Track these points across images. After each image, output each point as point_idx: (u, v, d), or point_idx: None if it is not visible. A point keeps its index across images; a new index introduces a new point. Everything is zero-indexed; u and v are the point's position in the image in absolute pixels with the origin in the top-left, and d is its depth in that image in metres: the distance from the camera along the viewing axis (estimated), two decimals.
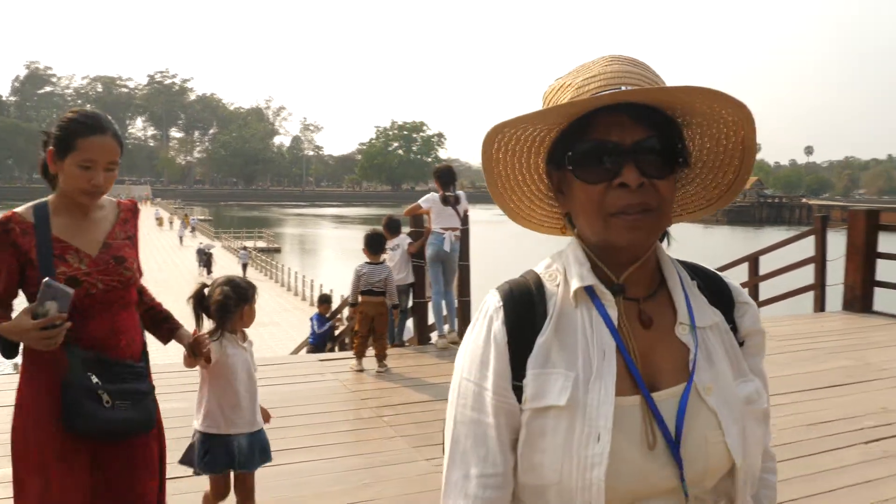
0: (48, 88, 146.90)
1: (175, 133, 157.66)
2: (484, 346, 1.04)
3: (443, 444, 1.08)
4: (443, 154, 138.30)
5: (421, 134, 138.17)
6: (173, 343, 2.69)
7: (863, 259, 8.47)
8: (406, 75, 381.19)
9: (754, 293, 9.22)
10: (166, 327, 2.63)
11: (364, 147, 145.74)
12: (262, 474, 3.21)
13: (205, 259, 31.45)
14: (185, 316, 2.85)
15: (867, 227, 8.47)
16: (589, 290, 1.03)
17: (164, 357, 5.66)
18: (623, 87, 0.96)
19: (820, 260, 8.91)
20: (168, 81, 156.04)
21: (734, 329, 1.11)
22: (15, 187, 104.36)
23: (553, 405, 0.98)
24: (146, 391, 2.34)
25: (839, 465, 4.00)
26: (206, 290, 3.14)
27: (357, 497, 3.65)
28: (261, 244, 45.46)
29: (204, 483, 3.17)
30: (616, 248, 1.02)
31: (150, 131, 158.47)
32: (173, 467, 2.81)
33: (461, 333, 7.32)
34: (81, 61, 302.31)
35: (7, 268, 2.17)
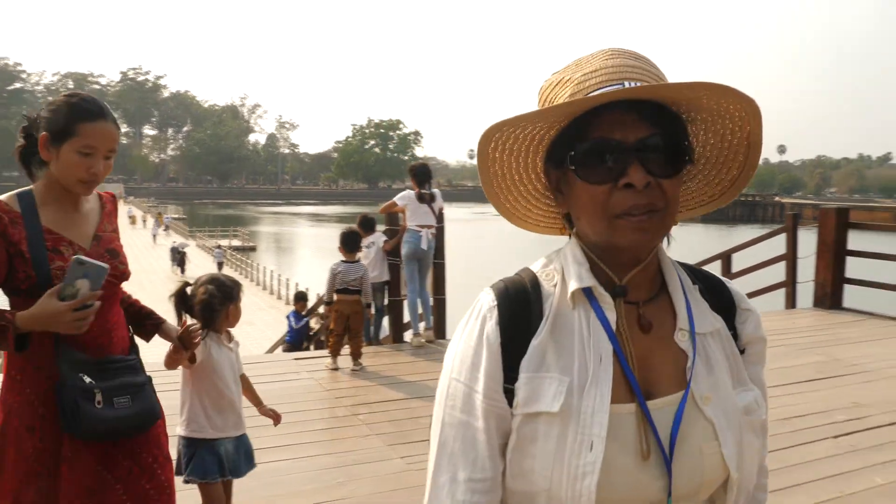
0: (18, 85, 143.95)
1: (148, 130, 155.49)
2: (476, 346, 1.00)
3: (418, 441, 1.05)
4: (419, 152, 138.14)
5: (397, 132, 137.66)
6: (153, 343, 2.50)
7: (833, 257, 8.61)
8: (383, 73, 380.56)
9: None
10: (149, 323, 2.44)
11: (340, 145, 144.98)
12: None
13: (178, 258, 31.12)
14: (163, 315, 2.70)
15: (837, 226, 8.62)
16: (587, 292, 0.99)
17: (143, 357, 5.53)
18: (626, 83, 0.93)
19: (791, 257, 9.04)
20: (141, 78, 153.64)
21: (735, 336, 1.07)
22: None
23: (545, 411, 0.94)
24: (143, 382, 2.21)
25: (811, 459, 4.06)
26: (188, 289, 2.99)
27: (330, 496, 3.63)
28: (236, 243, 45.01)
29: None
30: (618, 248, 0.98)
31: (123, 129, 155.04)
32: None
33: (437, 332, 7.32)
34: (52, 58, 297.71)
35: None
